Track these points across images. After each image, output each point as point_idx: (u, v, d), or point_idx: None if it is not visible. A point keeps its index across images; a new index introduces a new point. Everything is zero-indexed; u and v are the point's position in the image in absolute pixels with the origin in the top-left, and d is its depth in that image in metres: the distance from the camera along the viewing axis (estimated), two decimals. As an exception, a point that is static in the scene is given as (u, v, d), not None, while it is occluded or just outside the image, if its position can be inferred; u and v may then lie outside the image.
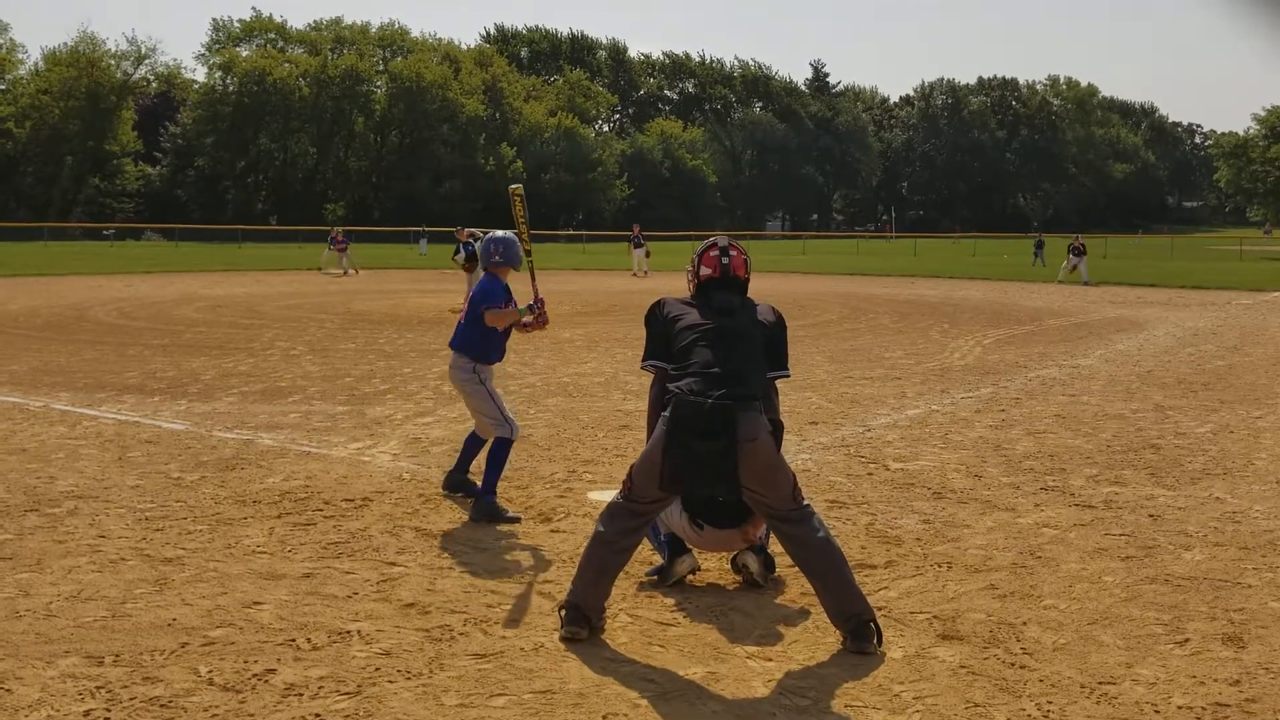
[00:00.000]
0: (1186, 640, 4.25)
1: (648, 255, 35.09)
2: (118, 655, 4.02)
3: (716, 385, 4.28)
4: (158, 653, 4.05)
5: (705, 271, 4.74)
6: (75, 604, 4.57)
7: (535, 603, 4.67)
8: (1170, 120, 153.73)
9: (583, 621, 4.27)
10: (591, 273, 36.68)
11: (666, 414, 4.31)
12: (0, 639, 4.17)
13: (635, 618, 4.49)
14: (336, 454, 7.70)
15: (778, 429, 4.52)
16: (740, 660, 4.06)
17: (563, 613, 4.32)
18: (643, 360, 4.69)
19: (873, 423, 9.13)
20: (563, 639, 4.24)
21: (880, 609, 4.58)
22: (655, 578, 4.96)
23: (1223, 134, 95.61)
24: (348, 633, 4.27)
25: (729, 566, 5.09)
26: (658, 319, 4.64)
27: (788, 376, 4.76)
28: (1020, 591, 4.83)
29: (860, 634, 4.14)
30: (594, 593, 4.33)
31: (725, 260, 4.72)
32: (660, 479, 4.28)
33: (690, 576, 4.97)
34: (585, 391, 10.75)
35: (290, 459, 7.51)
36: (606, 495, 6.49)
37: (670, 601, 4.69)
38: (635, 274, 34.10)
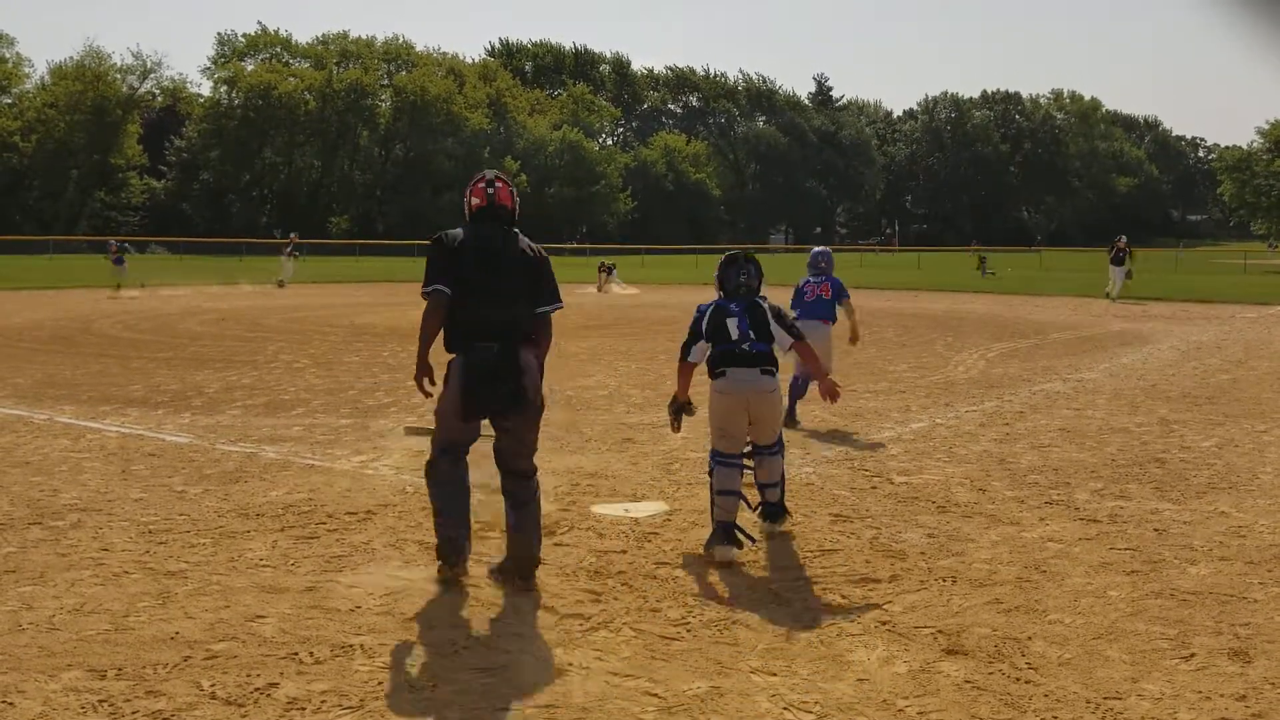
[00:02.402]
0: (1192, 655, 4.23)
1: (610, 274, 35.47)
2: (120, 669, 4.01)
3: (499, 336, 5.00)
4: (160, 666, 4.04)
5: (475, 202, 5.24)
6: (78, 617, 4.57)
7: (539, 617, 4.65)
8: (1174, 134, 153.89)
9: (459, 553, 5.10)
10: (594, 286, 36.69)
11: (461, 360, 5.04)
12: (3, 652, 4.16)
13: (639, 632, 4.48)
14: (340, 467, 7.70)
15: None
16: (744, 675, 4.04)
17: (442, 552, 5.10)
18: (425, 286, 5.06)
19: (877, 436, 9.12)
20: (444, 580, 5.06)
21: (884, 623, 4.58)
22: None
23: (1226, 147, 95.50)
24: (350, 646, 4.27)
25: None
26: (441, 248, 5.09)
27: (561, 307, 5.30)
28: (1025, 606, 4.81)
29: (528, 572, 5.04)
30: (459, 532, 5.13)
31: (491, 191, 5.22)
32: (461, 413, 5.03)
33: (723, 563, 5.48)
34: (589, 404, 10.74)
35: (294, 472, 7.50)
36: (610, 508, 6.50)
37: (674, 615, 4.68)
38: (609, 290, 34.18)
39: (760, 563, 5.49)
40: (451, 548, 5.09)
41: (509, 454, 5.20)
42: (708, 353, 5.83)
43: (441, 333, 5.11)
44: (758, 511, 6.04)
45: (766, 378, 5.75)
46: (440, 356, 5.08)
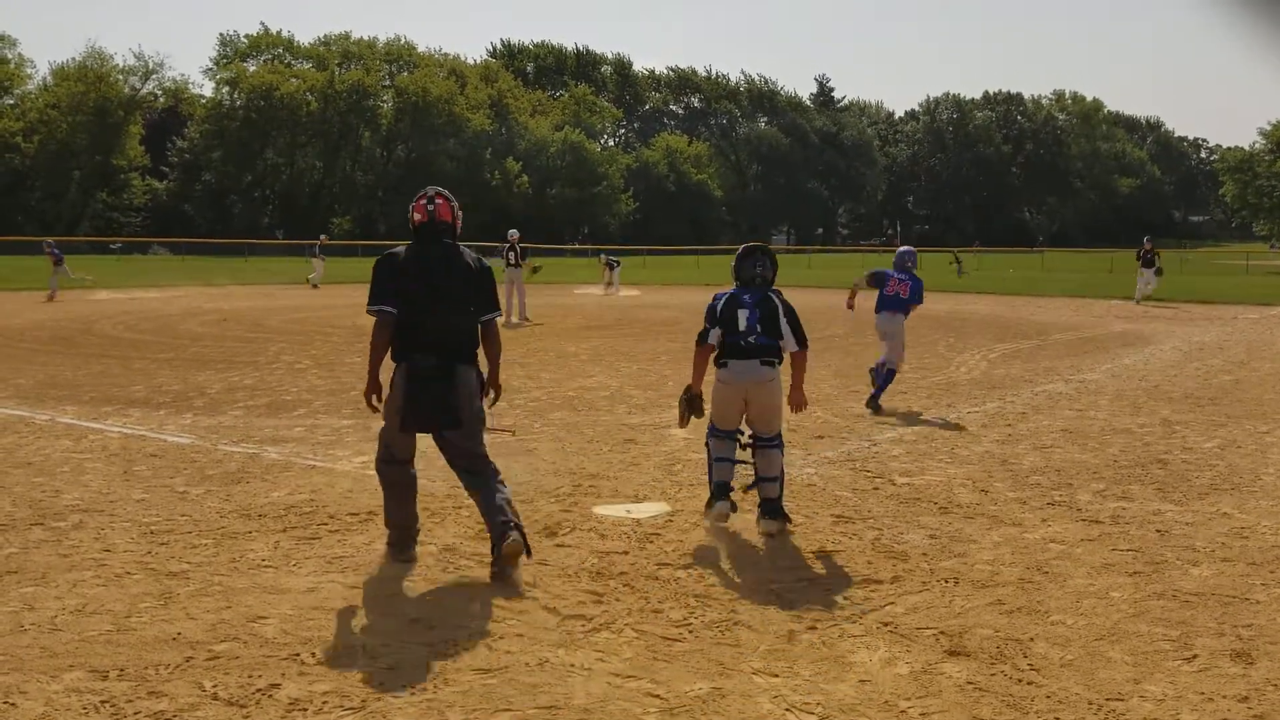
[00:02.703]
0: (1195, 656, 4.23)
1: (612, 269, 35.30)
2: (122, 669, 4.01)
3: (438, 347, 5.31)
4: (162, 667, 4.04)
5: (417, 218, 5.51)
6: (80, 618, 4.57)
7: (540, 617, 4.65)
8: (1176, 135, 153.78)
9: (408, 544, 5.52)
10: (597, 286, 36.69)
11: (403, 371, 5.33)
12: (5, 653, 4.17)
13: (641, 633, 4.47)
14: (341, 468, 7.70)
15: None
16: (746, 676, 4.04)
17: (392, 546, 5.51)
18: (371, 304, 5.37)
19: (878, 437, 9.11)
20: (401, 560, 5.41)
21: (886, 624, 4.57)
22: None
23: (1228, 148, 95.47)
24: (352, 647, 4.27)
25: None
26: (386, 267, 5.39)
27: (499, 315, 5.63)
28: (1027, 607, 4.80)
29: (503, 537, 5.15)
30: (407, 523, 5.56)
31: (431, 207, 5.49)
32: (399, 425, 5.40)
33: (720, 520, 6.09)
34: (590, 405, 10.74)
35: (295, 473, 7.51)
36: (612, 509, 6.50)
37: (676, 617, 4.67)
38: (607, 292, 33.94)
39: (762, 564, 5.49)
40: (401, 537, 5.58)
41: (456, 463, 5.54)
42: (720, 338, 6.16)
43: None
44: (756, 506, 6.22)
45: (766, 369, 6.08)
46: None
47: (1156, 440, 9.01)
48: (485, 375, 5.62)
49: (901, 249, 11.84)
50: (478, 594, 4.96)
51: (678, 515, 6.43)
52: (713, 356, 6.20)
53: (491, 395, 5.67)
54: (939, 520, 6.35)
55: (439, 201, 5.51)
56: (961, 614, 4.71)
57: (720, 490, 6.14)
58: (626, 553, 5.65)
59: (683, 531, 6.08)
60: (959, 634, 4.46)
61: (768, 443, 6.16)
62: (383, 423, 5.57)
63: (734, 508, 6.18)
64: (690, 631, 4.51)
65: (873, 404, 10.59)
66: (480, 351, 5.53)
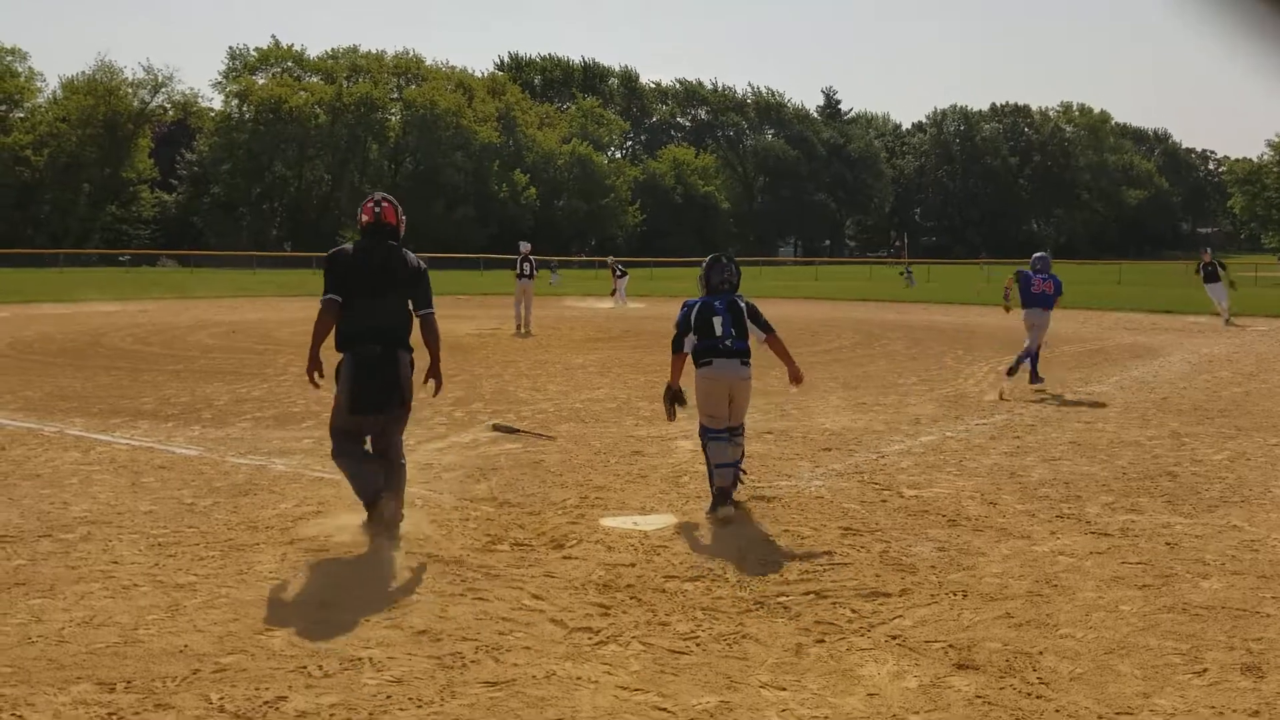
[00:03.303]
0: (1205, 670, 4.20)
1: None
2: (129, 681, 4.01)
3: (380, 335, 5.95)
4: (169, 679, 4.04)
5: (364, 219, 6.19)
6: (87, 630, 4.57)
7: (547, 630, 4.64)
8: (1183, 146, 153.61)
9: (378, 502, 5.99)
10: (605, 298, 36.75)
11: (349, 360, 5.92)
12: (13, 665, 4.17)
13: (648, 645, 4.46)
14: (349, 480, 7.69)
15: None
16: (754, 690, 4.03)
17: (375, 521, 5.99)
18: (324, 295, 5.99)
19: (886, 449, 9.10)
20: (379, 522, 5.98)
21: (895, 637, 4.56)
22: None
23: (1236, 160, 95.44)
24: (359, 660, 4.26)
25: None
26: (334, 263, 6.05)
27: (433, 311, 6.24)
28: (1036, 620, 4.78)
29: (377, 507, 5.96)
30: (371, 485, 6.02)
31: (378, 210, 6.16)
32: (349, 408, 5.94)
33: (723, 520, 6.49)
34: (597, 417, 10.74)
35: (303, 485, 7.51)
36: (619, 521, 6.50)
37: (683, 629, 4.66)
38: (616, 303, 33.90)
39: (770, 577, 5.48)
40: (374, 503, 6.05)
41: (381, 445, 6.18)
42: (695, 344, 6.78)
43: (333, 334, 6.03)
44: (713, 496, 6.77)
45: (744, 367, 6.78)
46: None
47: (1166, 453, 8.98)
48: (427, 365, 6.28)
49: (1037, 255, 14.17)
50: (485, 607, 4.96)
51: (685, 527, 6.42)
52: (692, 359, 6.79)
53: (432, 385, 6.31)
54: (947, 533, 6.33)
55: (385, 205, 6.20)
56: (970, 627, 4.69)
57: (723, 495, 6.65)
58: (634, 565, 5.64)
59: (690, 544, 6.06)
60: (968, 647, 4.44)
61: (735, 431, 6.80)
62: (330, 417, 6.20)
63: (735, 509, 6.66)
64: (698, 644, 4.49)
65: (1035, 380, 12.92)
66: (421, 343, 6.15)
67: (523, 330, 21.98)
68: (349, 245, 6.19)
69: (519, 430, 9.72)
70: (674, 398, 6.87)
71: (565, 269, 68.44)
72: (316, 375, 6.04)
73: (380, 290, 6.01)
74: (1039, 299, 13.22)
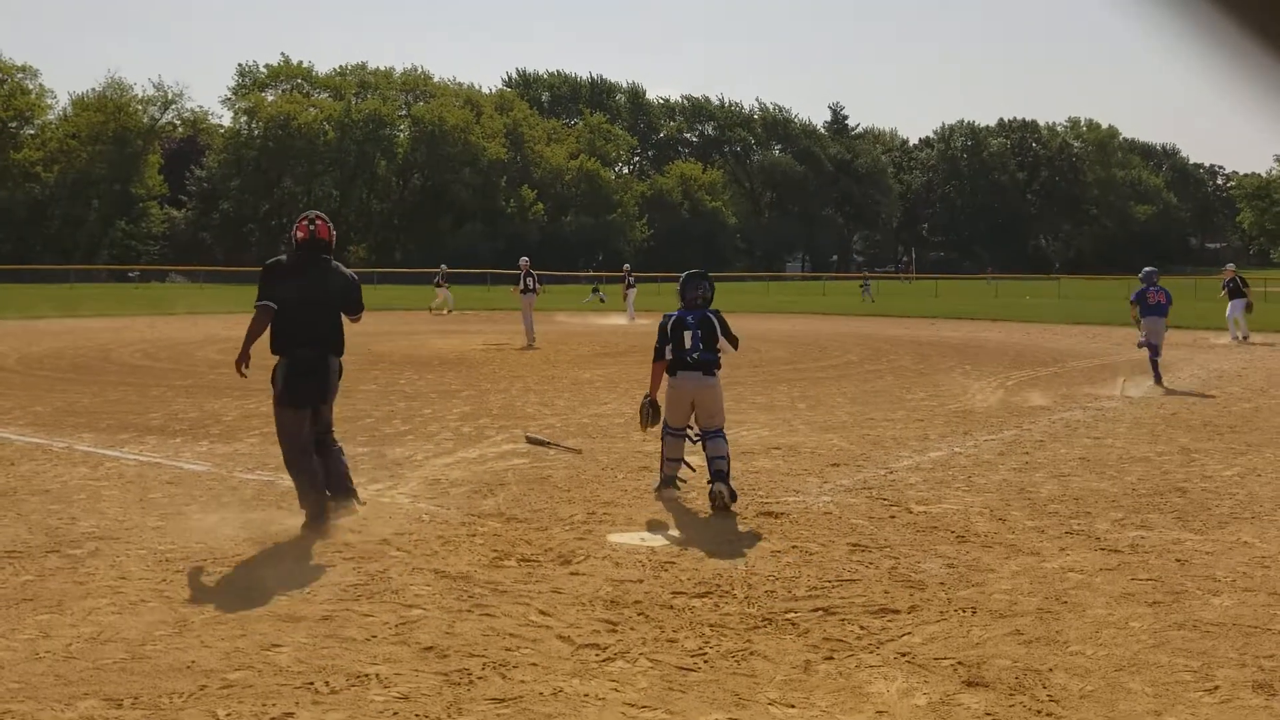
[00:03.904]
0: (1216, 688, 4.17)
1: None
2: (136, 697, 4.01)
3: (313, 341, 6.62)
4: (176, 695, 4.03)
5: (299, 235, 6.77)
6: (95, 646, 4.57)
7: (555, 646, 4.63)
8: (1191, 162, 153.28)
9: (324, 513, 6.57)
10: (611, 314, 36.79)
11: (285, 364, 6.57)
12: (20, 680, 4.17)
13: (656, 662, 4.45)
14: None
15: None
16: (762, 707, 4.01)
17: (310, 517, 6.53)
18: (258, 300, 6.58)
19: (895, 465, 9.07)
20: (317, 529, 6.44)
21: (904, 654, 4.53)
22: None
23: (1245, 175, 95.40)
24: (366, 676, 4.25)
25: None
26: (271, 273, 6.70)
27: (360, 318, 7.01)
28: (1046, 637, 4.76)
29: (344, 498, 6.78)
30: (316, 483, 6.64)
31: (312, 227, 6.75)
32: (286, 402, 6.58)
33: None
34: (605, 432, 10.73)
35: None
36: (627, 537, 6.48)
37: (691, 646, 4.64)
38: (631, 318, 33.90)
39: (778, 593, 5.46)
40: (316, 513, 6.58)
41: (319, 429, 6.84)
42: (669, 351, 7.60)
43: (268, 338, 6.61)
44: (708, 480, 7.41)
45: (708, 377, 7.55)
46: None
47: (1175, 468, 8.95)
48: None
49: (1147, 269, 16.13)
50: (492, 623, 4.94)
51: (693, 544, 6.40)
52: (667, 367, 7.62)
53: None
54: (956, 549, 6.31)
55: (319, 223, 6.78)
56: (980, 644, 4.67)
57: (668, 481, 7.67)
58: (641, 581, 5.62)
59: (698, 560, 6.05)
60: (977, 664, 4.41)
61: (715, 434, 7.48)
62: (277, 429, 6.83)
63: (677, 488, 7.66)
64: (705, 661, 4.47)
65: (1158, 382, 14.90)
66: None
67: (524, 342, 22.15)
68: (283, 258, 6.84)
69: (550, 443, 9.80)
70: (650, 408, 7.83)
71: (573, 284, 68.56)
72: (244, 367, 6.72)
73: (314, 301, 6.64)
74: (1155, 309, 15.30)
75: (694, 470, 7.82)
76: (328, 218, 6.88)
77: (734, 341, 7.74)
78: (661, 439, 7.73)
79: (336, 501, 6.76)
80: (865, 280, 56.58)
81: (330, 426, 7.01)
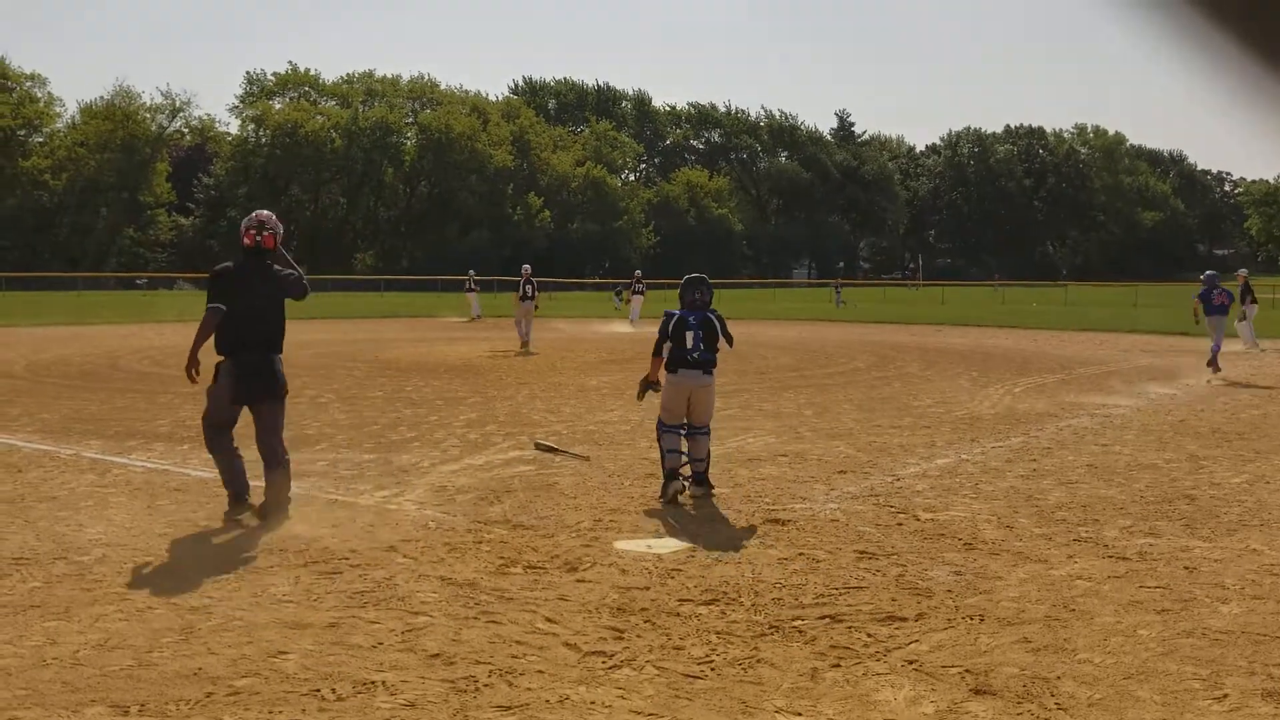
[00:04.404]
0: (1225, 696, 4.16)
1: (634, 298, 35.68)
2: (143, 704, 4.01)
3: (257, 343, 7.02)
4: (183, 702, 4.03)
5: (246, 243, 7.16)
6: (102, 652, 4.57)
7: (561, 654, 4.62)
8: (1199, 168, 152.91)
9: (244, 498, 7.04)
10: (618, 320, 36.78)
11: (229, 364, 6.97)
12: (27, 687, 4.17)
13: (662, 670, 4.44)
14: (363, 502, 7.70)
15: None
16: (769, 715, 4.00)
17: (236, 512, 6.94)
18: (208, 304, 6.97)
19: (902, 472, 9.06)
20: (238, 516, 6.93)
21: (911, 662, 4.52)
22: None
23: (1252, 182, 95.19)
24: (372, 683, 4.25)
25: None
26: (218, 279, 7.07)
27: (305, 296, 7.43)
28: (1054, 645, 4.74)
29: (275, 517, 6.92)
30: (240, 479, 7.05)
31: (259, 236, 7.15)
32: (231, 399, 6.98)
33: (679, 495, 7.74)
34: (611, 439, 10.73)
35: (317, 507, 7.51)
36: (633, 545, 6.48)
37: (698, 654, 4.64)
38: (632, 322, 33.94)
39: (785, 600, 5.45)
40: (239, 495, 7.05)
41: (267, 432, 7.12)
42: (670, 350, 7.94)
43: (213, 340, 6.96)
44: (689, 481, 7.90)
45: (706, 376, 7.91)
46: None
47: (1183, 475, 8.92)
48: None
49: (1209, 273, 18.53)
50: (498, 630, 4.94)
51: (699, 551, 6.39)
52: (666, 363, 7.95)
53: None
54: (964, 556, 6.29)
55: (265, 235, 7.16)
56: (987, 652, 4.66)
57: (671, 475, 7.82)
58: (648, 588, 5.61)
59: (704, 567, 6.04)
60: (985, 672, 4.40)
61: (700, 431, 7.93)
62: (203, 414, 7.24)
63: (684, 487, 7.84)
64: (712, 669, 4.47)
65: (1215, 369, 17.36)
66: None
67: (524, 349, 22.45)
68: (230, 263, 7.23)
69: (559, 450, 9.81)
70: (648, 386, 8.29)
71: (579, 291, 68.61)
72: (194, 372, 7.01)
73: (258, 304, 7.03)
74: (1219, 309, 17.66)
75: (715, 487, 8.03)
76: (274, 222, 7.24)
77: (730, 340, 8.10)
78: (658, 437, 8.03)
79: (264, 510, 7.01)
80: (838, 286, 58.63)
81: (278, 430, 7.23)
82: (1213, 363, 17.29)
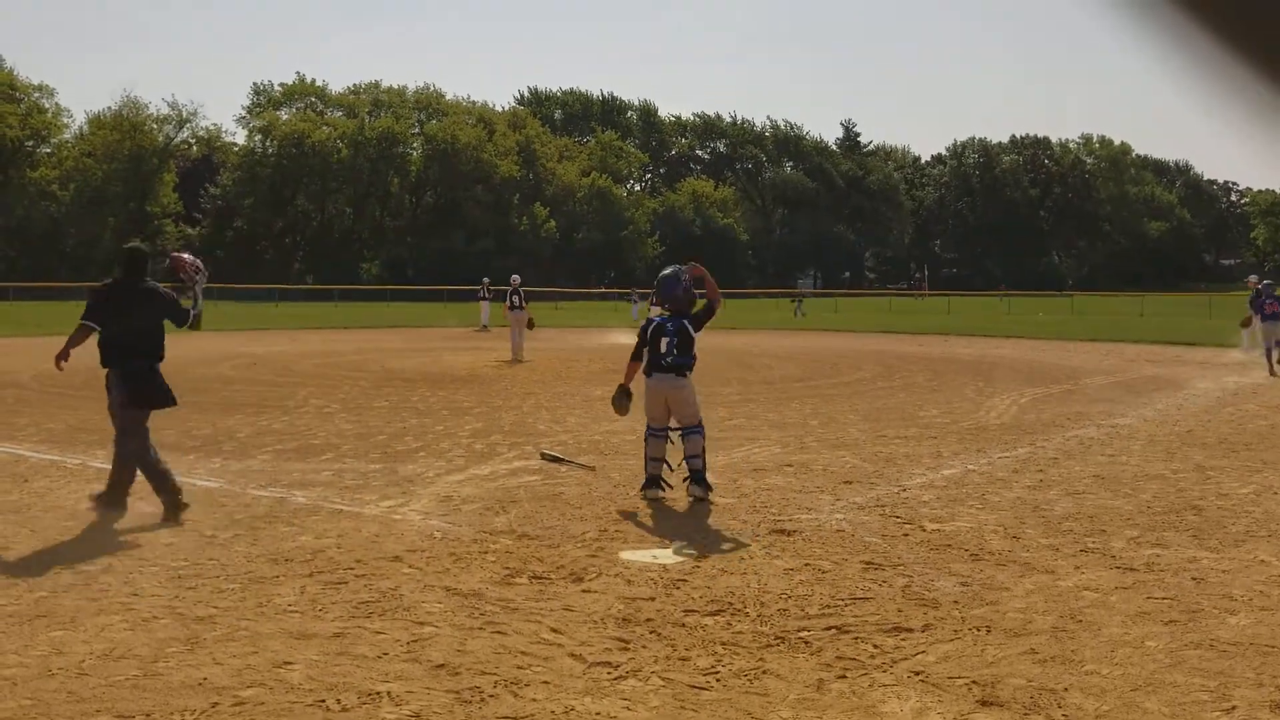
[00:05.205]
0: (1233, 708, 4.14)
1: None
2: (149, 715, 4.00)
3: (143, 352, 7.64)
4: (188, 712, 4.03)
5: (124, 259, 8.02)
6: (107, 662, 4.57)
7: (566, 664, 4.61)
8: (1205, 178, 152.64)
9: (177, 494, 7.47)
10: (622, 330, 36.80)
11: (118, 373, 7.59)
12: (33, 697, 4.17)
13: (668, 681, 4.43)
14: (368, 512, 7.70)
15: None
16: (775, 725, 3.98)
17: (172, 510, 7.35)
18: (82, 318, 7.61)
19: (908, 482, 9.04)
20: (115, 511, 7.41)
21: (917, 673, 4.50)
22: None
23: (1259, 191, 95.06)
24: (378, 694, 4.24)
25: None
26: (98, 295, 7.77)
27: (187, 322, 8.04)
28: (1061, 656, 4.72)
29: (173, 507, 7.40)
30: (165, 479, 7.48)
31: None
32: (133, 404, 7.53)
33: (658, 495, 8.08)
34: (616, 449, 10.72)
35: (322, 517, 7.52)
36: (639, 555, 6.47)
37: (704, 664, 4.62)
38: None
39: (791, 611, 5.43)
40: (121, 496, 7.57)
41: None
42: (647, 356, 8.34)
43: (98, 353, 7.59)
44: (685, 480, 8.16)
45: (681, 379, 8.30)
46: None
47: (1191, 486, 8.89)
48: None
49: (1266, 282, 20.41)
50: (503, 640, 4.93)
51: (705, 561, 6.38)
52: (644, 368, 8.36)
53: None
54: (970, 567, 6.27)
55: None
56: (994, 663, 4.64)
57: (653, 481, 8.20)
58: (653, 599, 5.60)
59: (710, 578, 6.03)
60: (991, 683, 4.38)
61: (691, 430, 8.21)
62: (120, 423, 7.69)
63: (663, 490, 8.17)
64: (718, 680, 4.45)
65: (1273, 372, 19.13)
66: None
67: (516, 358, 22.54)
68: (110, 281, 7.92)
69: (565, 460, 9.81)
70: (624, 394, 8.59)
71: (584, 301, 68.67)
72: (62, 362, 7.73)
73: (139, 318, 7.68)
74: (1273, 316, 19.43)
75: (673, 469, 8.29)
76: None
77: (699, 325, 8.40)
78: (644, 440, 8.36)
79: (170, 502, 7.49)
80: (798, 298, 60.74)
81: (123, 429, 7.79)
82: (1271, 369, 19.28)
